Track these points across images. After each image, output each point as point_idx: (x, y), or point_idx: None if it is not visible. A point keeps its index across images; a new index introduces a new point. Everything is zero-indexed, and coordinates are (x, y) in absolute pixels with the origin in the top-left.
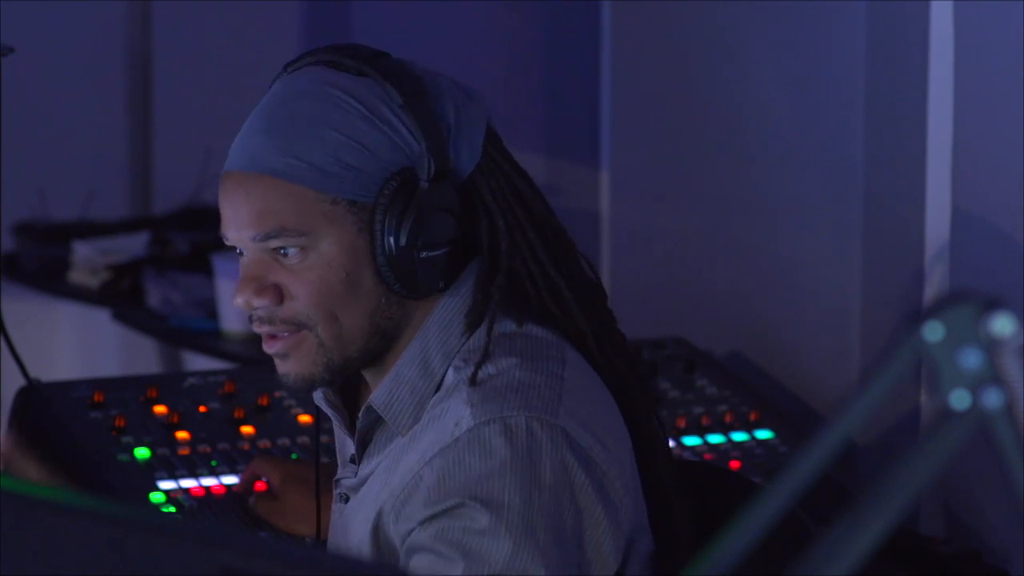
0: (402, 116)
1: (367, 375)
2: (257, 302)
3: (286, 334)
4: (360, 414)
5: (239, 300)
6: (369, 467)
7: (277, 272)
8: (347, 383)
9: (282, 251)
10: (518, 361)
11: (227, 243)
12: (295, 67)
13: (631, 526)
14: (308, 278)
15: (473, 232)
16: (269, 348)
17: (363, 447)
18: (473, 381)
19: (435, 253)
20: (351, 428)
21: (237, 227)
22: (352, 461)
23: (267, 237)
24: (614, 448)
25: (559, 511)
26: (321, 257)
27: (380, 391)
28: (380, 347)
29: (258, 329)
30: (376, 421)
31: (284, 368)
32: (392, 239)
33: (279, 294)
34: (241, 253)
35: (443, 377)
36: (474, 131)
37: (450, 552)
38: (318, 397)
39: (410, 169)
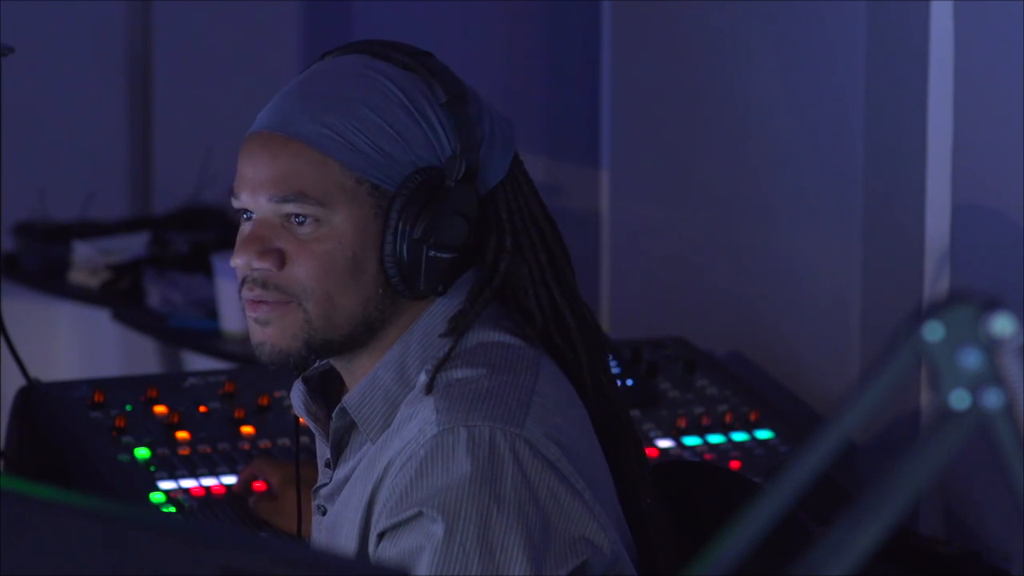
0: (441, 115)
1: (342, 373)
2: (258, 264)
3: (275, 301)
4: (333, 415)
5: (239, 260)
6: (343, 471)
7: (284, 238)
8: (327, 391)
9: (297, 219)
10: (489, 371)
11: (236, 204)
12: (335, 55)
13: (611, 545)
14: (315, 250)
15: (481, 244)
16: (252, 311)
17: (338, 451)
18: (428, 388)
19: (443, 255)
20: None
21: (254, 186)
22: (327, 466)
23: (285, 200)
24: (584, 464)
25: (523, 525)
26: (333, 232)
27: (355, 393)
28: (363, 338)
29: (247, 294)
30: (351, 424)
31: (262, 336)
32: (406, 231)
33: (281, 259)
34: (247, 218)
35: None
36: (505, 148)
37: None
38: (298, 407)
39: (438, 169)
